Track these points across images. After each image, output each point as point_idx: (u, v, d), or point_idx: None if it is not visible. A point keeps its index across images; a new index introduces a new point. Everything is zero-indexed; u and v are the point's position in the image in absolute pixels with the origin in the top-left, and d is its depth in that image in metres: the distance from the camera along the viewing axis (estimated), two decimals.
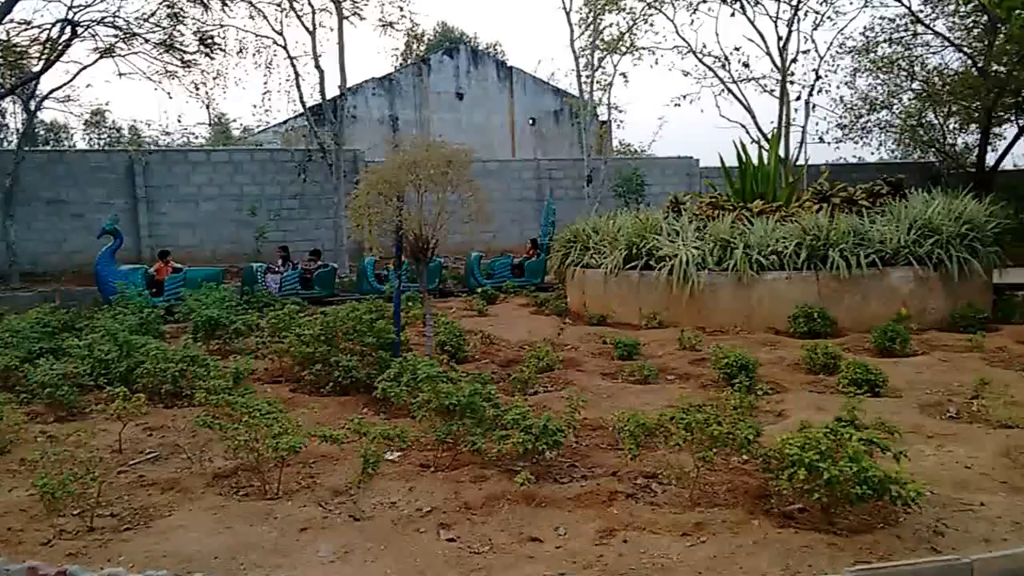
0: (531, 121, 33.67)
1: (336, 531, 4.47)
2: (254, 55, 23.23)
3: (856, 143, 27.17)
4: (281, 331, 9.05)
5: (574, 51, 24.14)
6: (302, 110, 22.15)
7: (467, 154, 7.83)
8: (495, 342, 10.18)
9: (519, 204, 25.33)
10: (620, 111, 26.21)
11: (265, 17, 23.52)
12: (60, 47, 18.83)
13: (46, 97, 20.49)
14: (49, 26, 19.03)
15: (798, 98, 24.65)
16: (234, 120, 37.77)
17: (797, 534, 4.18)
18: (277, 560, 4.13)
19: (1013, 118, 24.79)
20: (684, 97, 29.01)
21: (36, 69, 19.68)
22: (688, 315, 11.06)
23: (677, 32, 31.89)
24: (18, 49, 19.35)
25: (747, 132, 24.93)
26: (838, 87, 43.01)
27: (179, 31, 20.38)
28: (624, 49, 24.32)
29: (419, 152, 7.71)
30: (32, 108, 20.54)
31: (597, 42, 24.10)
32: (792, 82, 23.97)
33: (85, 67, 20.62)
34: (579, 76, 24.42)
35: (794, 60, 23.82)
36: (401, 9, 28.20)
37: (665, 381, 8.06)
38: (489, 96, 32.79)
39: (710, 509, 4.55)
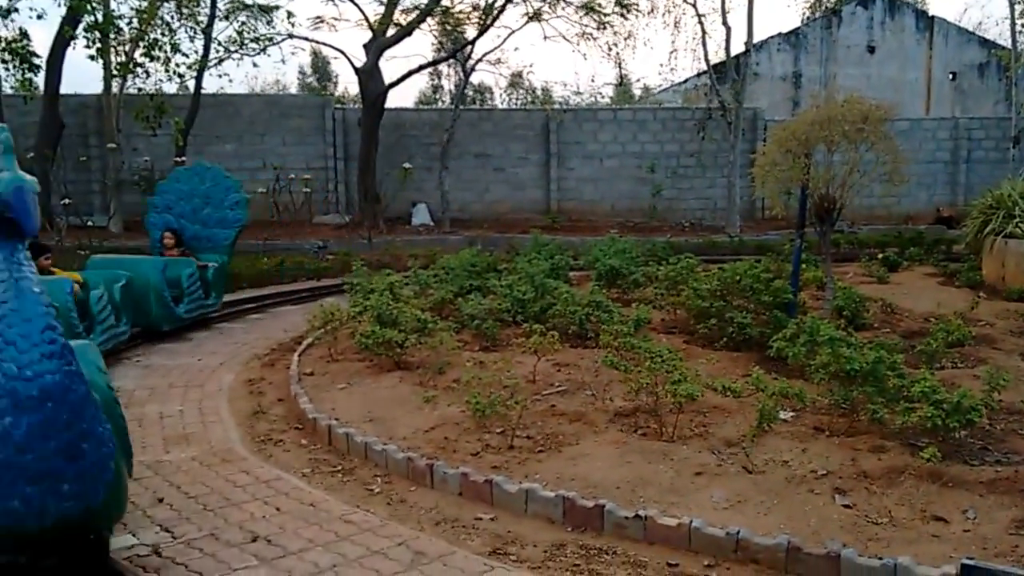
0: (951, 76, 30.37)
1: (729, 480, 4.61)
2: (663, 15, 23.61)
3: None
4: (677, 284, 9.32)
5: None
6: (705, 68, 22.16)
7: (886, 110, 7.38)
8: (896, 311, 9.55)
9: (929, 167, 23.11)
10: None
11: None
12: (495, 13, 20.69)
13: (480, 60, 22.57)
14: None
15: None
16: (637, 80, 38.86)
17: None
18: (673, 499, 4.38)
19: None
20: None
21: (471, 35, 21.89)
22: None
23: None
24: (458, 16, 21.63)
25: None
26: None
27: None
28: None
29: (834, 107, 7.44)
30: (467, 71, 22.90)
31: None
32: None
33: (514, 31, 22.54)
34: (1013, 24, 21.48)
35: None
36: None
37: None
38: (904, 49, 30.12)
39: None
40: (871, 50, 30.03)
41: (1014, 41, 21.54)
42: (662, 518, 4.02)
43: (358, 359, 7.63)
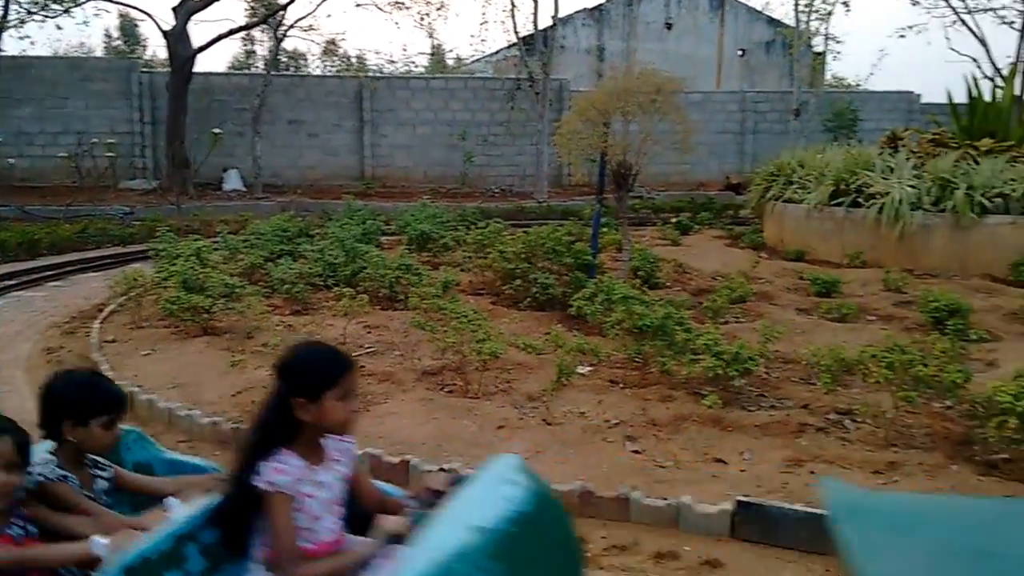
0: (740, 52, 32.39)
1: (529, 432, 4.83)
2: None
3: None
4: (485, 247, 9.53)
5: None
6: (515, 40, 22.55)
7: (678, 83, 7.84)
8: (687, 271, 10.22)
9: (719, 137, 24.69)
10: (837, 42, 24.77)
11: None
12: None
13: (292, 26, 22.09)
14: None
15: None
16: (450, 50, 38.88)
17: (1000, 483, 4.06)
18: (476, 452, 4.54)
19: None
20: (911, 28, 26.67)
21: (283, 0, 21.29)
22: (895, 257, 10.55)
23: None
24: None
25: (979, 67, 22.66)
26: None
27: None
28: None
29: (630, 79, 7.82)
30: (279, 36, 22.25)
31: None
32: None
33: None
34: (796, 4, 23.21)
35: None
36: None
37: (865, 321, 7.85)
38: (699, 26, 31.80)
39: (905, 451, 4.46)
40: (669, 27, 31.46)
41: (797, 19, 23.23)
42: (465, 470, 4.15)
43: (163, 326, 7.39)
